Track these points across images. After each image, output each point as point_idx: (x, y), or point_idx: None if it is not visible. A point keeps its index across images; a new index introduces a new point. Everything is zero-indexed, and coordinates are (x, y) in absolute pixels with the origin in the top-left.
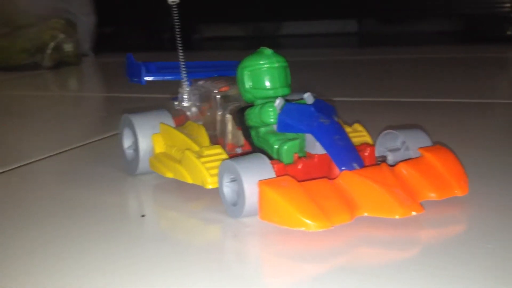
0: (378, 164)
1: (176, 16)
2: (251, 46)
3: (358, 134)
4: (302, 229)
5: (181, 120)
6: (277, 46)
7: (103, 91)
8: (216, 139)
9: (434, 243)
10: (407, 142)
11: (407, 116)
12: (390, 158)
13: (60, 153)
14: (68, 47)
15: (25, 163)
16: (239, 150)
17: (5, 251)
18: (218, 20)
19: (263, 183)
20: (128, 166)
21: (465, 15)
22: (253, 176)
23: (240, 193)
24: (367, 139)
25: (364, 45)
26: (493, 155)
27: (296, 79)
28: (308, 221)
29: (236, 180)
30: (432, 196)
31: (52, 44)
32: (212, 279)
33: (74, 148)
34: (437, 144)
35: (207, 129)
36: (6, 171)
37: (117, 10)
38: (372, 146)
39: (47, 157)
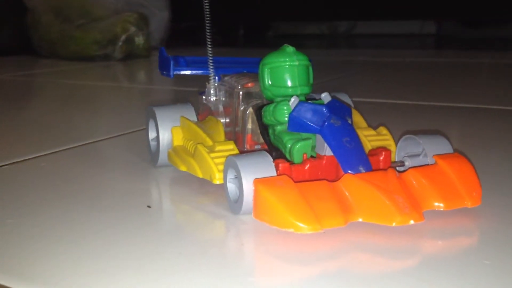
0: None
1: (207, 11)
2: (324, 44)
3: (381, 138)
4: (291, 230)
5: (206, 115)
6: (352, 46)
7: (169, 84)
8: (237, 136)
9: (433, 254)
10: (426, 149)
11: (462, 123)
12: (408, 163)
13: (110, 138)
14: (139, 40)
15: (78, 144)
16: (258, 147)
17: (26, 230)
18: (293, 18)
19: (258, 181)
20: (151, 158)
21: None
22: (253, 174)
23: (240, 190)
24: (391, 143)
25: (441, 47)
26: None
27: (365, 80)
28: (297, 223)
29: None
30: (439, 205)
31: (123, 37)
32: (198, 274)
33: (123, 134)
34: (456, 152)
35: (231, 125)
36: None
37: (192, 6)
38: (388, 150)
39: (98, 140)
